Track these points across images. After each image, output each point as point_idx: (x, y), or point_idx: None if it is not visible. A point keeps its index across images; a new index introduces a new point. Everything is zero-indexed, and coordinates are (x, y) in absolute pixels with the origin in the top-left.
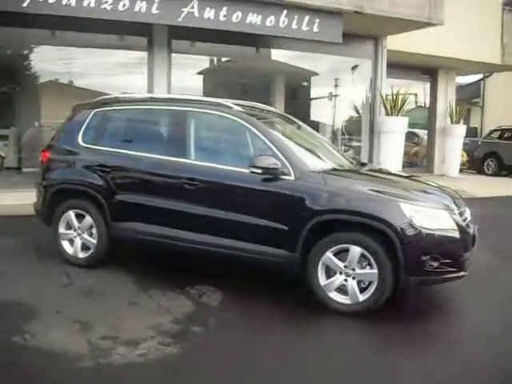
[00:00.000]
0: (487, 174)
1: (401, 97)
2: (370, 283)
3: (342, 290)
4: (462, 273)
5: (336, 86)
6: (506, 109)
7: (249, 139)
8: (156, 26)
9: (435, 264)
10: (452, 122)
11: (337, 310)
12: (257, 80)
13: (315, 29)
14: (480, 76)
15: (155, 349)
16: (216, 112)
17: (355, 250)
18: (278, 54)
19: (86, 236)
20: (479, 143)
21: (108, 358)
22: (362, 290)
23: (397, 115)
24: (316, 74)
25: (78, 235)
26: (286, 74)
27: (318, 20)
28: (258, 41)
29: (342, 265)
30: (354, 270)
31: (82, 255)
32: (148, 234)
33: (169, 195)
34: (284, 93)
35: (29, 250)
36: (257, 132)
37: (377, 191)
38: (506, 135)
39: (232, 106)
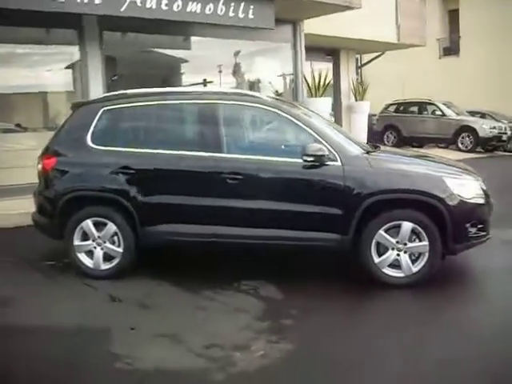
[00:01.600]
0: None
1: (323, 78)
2: (420, 255)
3: (393, 264)
4: (489, 236)
5: (251, 71)
6: (395, 84)
7: (289, 128)
8: (85, 17)
9: (474, 230)
10: (356, 100)
11: (391, 284)
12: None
13: (250, 15)
14: (375, 55)
15: (270, 347)
16: (250, 103)
17: (407, 226)
18: (198, 42)
19: (108, 245)
20: (377, 117)
21: (235, 366)
22: (413, 262)
23: (320, 96)
24: (186, 61)
25: (98, 245)
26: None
27: (252, 7)
28: (186, 29)
29: (394, 241)
30: (405, 244)
31: (105, 266)
32: (187, 234)
33: (209, 192)
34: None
35: (26, 267)
36: (296, 121)
37: (419, 169)
38: (401, 108)
39: (262, 96)
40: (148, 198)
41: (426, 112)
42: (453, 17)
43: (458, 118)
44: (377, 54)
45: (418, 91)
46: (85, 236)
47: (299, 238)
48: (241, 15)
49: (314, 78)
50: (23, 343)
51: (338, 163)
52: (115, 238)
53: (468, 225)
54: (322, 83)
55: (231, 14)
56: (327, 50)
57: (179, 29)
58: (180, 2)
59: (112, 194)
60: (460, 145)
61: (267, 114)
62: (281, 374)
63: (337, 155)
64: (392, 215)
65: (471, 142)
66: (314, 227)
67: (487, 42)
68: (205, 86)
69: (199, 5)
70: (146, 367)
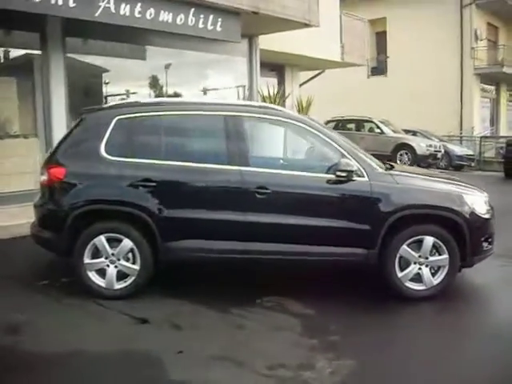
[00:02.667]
0: None
1: (279, 94)
2: (439, 268)
3: (414, 278)
4: (493, 249)
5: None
6: (334, 101)
7: (316, 143)
8: (50, 19)
9: (486, 243)
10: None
11: (413, 297)
12: None
13: (218, 28)
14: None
15: (334, 364)
16: (276, 117)
17: (429, 240)
18: (160, 53)
19: (123, 262)
20: None
21: None
22: (432, 275)
23: None
24: (107, 70)
25: (111, 263)
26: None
27: (220, 19)
28: (148, 39)
29: (416, 255)
30: (426, 258)
31: (118, 286)
32: (212, 251)
33: (235, 206)
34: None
35: (20, 288)
36: (323, 136)
37: (441, 186)
38: (340, 125)
39: (288, 110)
40: (171, 212)
41: (363, 129)
42: (380, 38)
43: (396, 135)
44: (317, 72)
45: (352, 109)
46: (96, 253)
47: (327, 253)
48: (209, 27)
49: (269, 92)
50: (69, 374)
51: (366, 179)
52: (129, 254)
53: (483, 239)
54: (276, 97)
55: (201, 25)
56: (273, 65)
57: (141, 38)
58: (153, 11)
59: (131, 207)
60: (398, 162)
61: (294, 129)
62: None
63: (363, 171)
64: (415, 230)
65: (409, 159)
66: (341, 242)
67: (411, 63)
68: (128, 96)
69: (171, 14)
70: None
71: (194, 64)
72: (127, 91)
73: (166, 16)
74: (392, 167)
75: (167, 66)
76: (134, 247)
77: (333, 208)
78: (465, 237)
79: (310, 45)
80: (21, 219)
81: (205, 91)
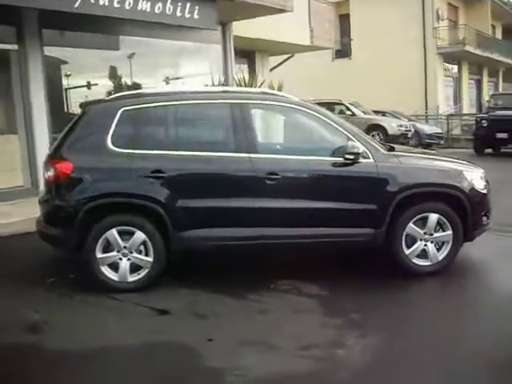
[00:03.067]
0: None
1: (254, 80)
2: (443, 244)
3: (420, 254)
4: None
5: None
6: (301, 84)
7: (321, 128)
8: (26, 12)
9: (485, 218)
10: None
11: (420, 273)
12: None
13: (195, 16)
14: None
15: (362, 342)
16: (281, 103)
17: (434, 217)
18: (138, 43)
19: (136, 255)
20: None
21: (348, 362)
22: (437, 251)
23: None
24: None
25: (123, 256)
26: None
27: (197, 7)
28: (124, 29)
29: (422, 232)
30: (431, 234)
31: (132, 278)
32: (224, 238)
33: (246, 193)
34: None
35: (29, 285)
36: (328, 120)
37: (442, 164)
38: None
39: (291, 96)
40: (182, 202)
41: (334, 112)
42: (343, 21)
43: (367, 116)
44: (286, 56)
45: (318, 92)
46: (107, 247)
47: (336, 234)
48: (187, 15)
49: (244, 78)
50: (106, 370)
51: (371, 160)
52: (141, 247)
53: (482, 213)
54: (251, 82)
55: (178, 13)
56: (243, 52)
57: (116, 28)
58: (131, 0)
59: (143, 199)
60: None
61: (298, 114)
62: (399, 363)
63: (369, 153)
64: (421, 208)
65: (381, 140)
66: (350, 223)
67: (375, 45)
68: (89, 89)
69: (149, 3)
70: (260, 376)
71: (169, 52)
72: (113, 84)
73: (144, 5)
74: (393, 148)
75: (142, 55)
76: (147, 239)
77: (341, 190)
78: (467, 212)
79: (280, 30)
80: None
81: (167, 81)
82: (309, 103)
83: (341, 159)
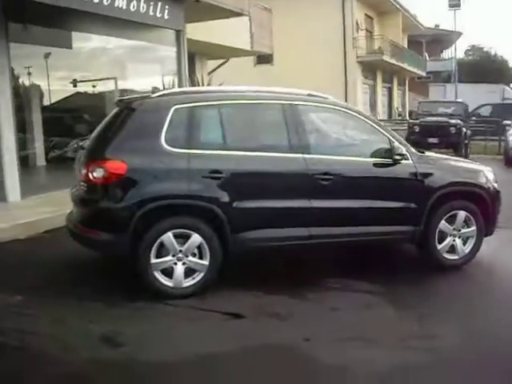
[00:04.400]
0: None
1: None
2: (468, 239)
3: (448, 250)
4: None
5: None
6: None
7: (365, 130)
8: None
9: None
10: None
11: (449, 266)
12: None
13: (166, 16)
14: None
15: (445, 331)
16: (328, 105)
17: (462, 214)
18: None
19: (192, 259)
20: None
21: (453, 350)
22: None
23: None
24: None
25: (178, 260)
26: None
27: (167, 7)
28: (83, 26)
29: (452, 228)
30: (459, 230)
31: (187, 283)
32: (279, 239)
33: (299, 193)
34: None
35: (66, 298)
36: (371, 123)
37: (466, 165)
38: None
39: (330, 97)
40: (239, 202)
41: None
42: None
43: None
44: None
45: None
46: (161, 252)
47: (383, 232)
48: (158, 15)
49: (197, 80)
50: (213, 377)
51: (411, 161)
52: (195, 250)
53: (499, 209)
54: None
55: (151, 13)
56: None
57: (79, 24)
58: None
59: (201, 201)
60: None
61: (344, 116)
62: (490, 342)
63: (408, 154)
64: (452, 206)
65: None
66: (394, 221)
67: (297, 53)
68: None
69: (125, 1)
70: (380, 369)
71: (125, 51)
72: (74, 80)
73: (120, 2)
74: (423, 151)
75: (99, 53)
76: (203, 242)
77: (387, 190)
78: (488, 209)
79: (225, 34)
80: None
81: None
82: (354, 106)
83: (388, 160)
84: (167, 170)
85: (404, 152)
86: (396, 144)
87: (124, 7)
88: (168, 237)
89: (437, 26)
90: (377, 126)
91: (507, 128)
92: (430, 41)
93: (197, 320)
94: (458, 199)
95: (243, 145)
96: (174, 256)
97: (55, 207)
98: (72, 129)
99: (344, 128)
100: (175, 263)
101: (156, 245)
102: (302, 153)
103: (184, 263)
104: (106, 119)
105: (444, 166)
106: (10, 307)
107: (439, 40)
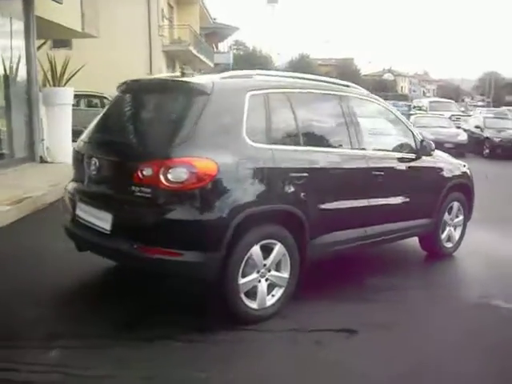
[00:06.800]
0: None
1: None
2: (456, 227)
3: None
4: None
5: None
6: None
7: (397, 125)
8: None
9: None
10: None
11: (446, 253)
12: None
13: None
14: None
15: None
16: (365, 97)
17: (456, 205)
18: None
19: (274, 273)
20: None
21: None
22: None
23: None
24: None
25: (261, 277)
26: None
27: None
28: None
29: (449, 218)
30: (453, 220)
31: (270, 302)
32: (346, 241)
33: (364, 191)
34: None
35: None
36: (399, 116)
37: (454, 160)
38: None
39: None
40: (319, 205)
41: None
42: None
43: None
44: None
45: None
46: (246, 269)
47: (413, 226)
48: None
49: (52, 65)
50: None
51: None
52: (275, 262)
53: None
54: (63, 71)
55: None
56: None
57: None
58: None
59: (290, 205)
60: None
61: (379, 109)
62: None
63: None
64: (451, 197)
65: None
66: (423, 215)
67: (100, 38)
68: None
69: None
70: None
71: None
72: None
73: None
74: None
75: None
76: (286, 252)
77: (420, 184)
78: (472, 198)
79: (57, 10)
80: None
81: None
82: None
83: (415, 154)
84: (256, 169)
85: (432, 147)
86: (420, 137)
87: None
88: (256, 250)
89: (214, 19)
90: (403, 121)
91: None
92: (209, 33)
93: (320, 344)
94: (456, 191)
95: (316, 139)
96: (258, 272)
97: None
98: None
99: (383, 122)
100: (259, 281)
101: (244, 262)
102: (362, 148)
103: (267, 279)
104: (139, 104)
105: (447, 161)
106: None
107: (216, 33)
